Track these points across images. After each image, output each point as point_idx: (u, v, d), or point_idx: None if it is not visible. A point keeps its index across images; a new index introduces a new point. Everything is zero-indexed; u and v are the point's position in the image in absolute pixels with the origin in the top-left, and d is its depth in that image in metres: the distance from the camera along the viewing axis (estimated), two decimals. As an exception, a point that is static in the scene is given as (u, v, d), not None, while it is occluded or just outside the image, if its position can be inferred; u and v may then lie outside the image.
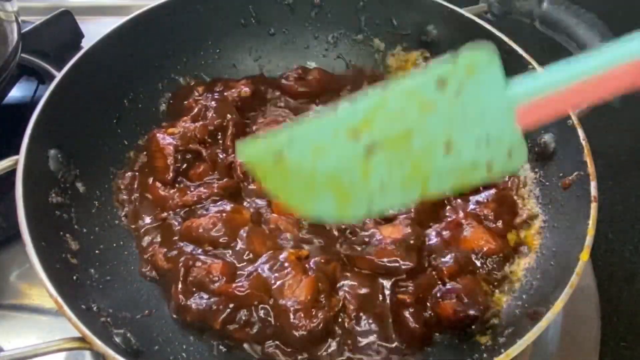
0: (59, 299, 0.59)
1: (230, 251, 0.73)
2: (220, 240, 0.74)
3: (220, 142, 0.84)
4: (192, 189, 0.81)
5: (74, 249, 0.72)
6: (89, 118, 0.81)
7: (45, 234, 0.67)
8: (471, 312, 0.69)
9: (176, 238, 0.76)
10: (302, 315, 0.66)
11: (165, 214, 0.79)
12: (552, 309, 0.60)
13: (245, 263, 0.72)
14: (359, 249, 0.74)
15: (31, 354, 0.58)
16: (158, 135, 0.83)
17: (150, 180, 0.82)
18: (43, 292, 0.60)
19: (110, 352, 0.58)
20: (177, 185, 0.82)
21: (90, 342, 0.58)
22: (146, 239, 0.78)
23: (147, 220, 0.80)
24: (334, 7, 0.95)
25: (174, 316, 0.71)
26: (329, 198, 0.57)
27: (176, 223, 0.78)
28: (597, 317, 0.85)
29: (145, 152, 0.85)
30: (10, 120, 0.82)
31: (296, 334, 0.66)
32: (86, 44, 0.84)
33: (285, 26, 0.97)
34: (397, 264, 0.72)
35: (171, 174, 0.81)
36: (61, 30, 1.09)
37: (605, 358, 0.81)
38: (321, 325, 0.67)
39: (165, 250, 0.75)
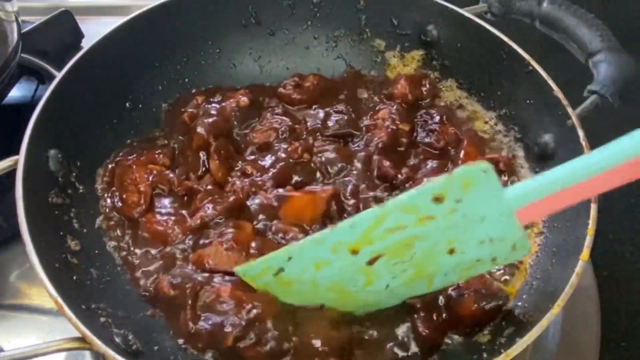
0: (59, 299, 0.59)
1: None
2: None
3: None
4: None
5: (74, 249, 0.72)
6: (89, 118, 0.81)
7: (45, 234, 0.67)
8: (496, 302, 0.67)
9: (180, 263, 0.72)
10: (325, 325, 0.64)
11: (169, 249, 0.74)
12: (552, 309, 0.60)
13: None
14: None
15: (31, 354, 0.57)
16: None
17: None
18: (43, 292, 0.60)
19: (110, 352, 0.57)
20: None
21: (90, 342, 0.58)
22: (143, 269, 0.74)
23: (150, 255, 0.75)
24: (334, 7, 0.95)
25: (182, 345, 0.67)
26: (333, 298, 0.58)
27: (179, 252, 0.74)
28: (597, 317, 0.85)
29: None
30: (10, 120, 0.82)
31: (319, 347, 0.63)
32: (86, 44, 0.84)
33: (285, 26, 0.96)
34: None
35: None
36: (61, 30, 1.09)
37: (605, 358, 0.81)
38: (345, 336, 0.64)
39: (169, 277, 0.70)
